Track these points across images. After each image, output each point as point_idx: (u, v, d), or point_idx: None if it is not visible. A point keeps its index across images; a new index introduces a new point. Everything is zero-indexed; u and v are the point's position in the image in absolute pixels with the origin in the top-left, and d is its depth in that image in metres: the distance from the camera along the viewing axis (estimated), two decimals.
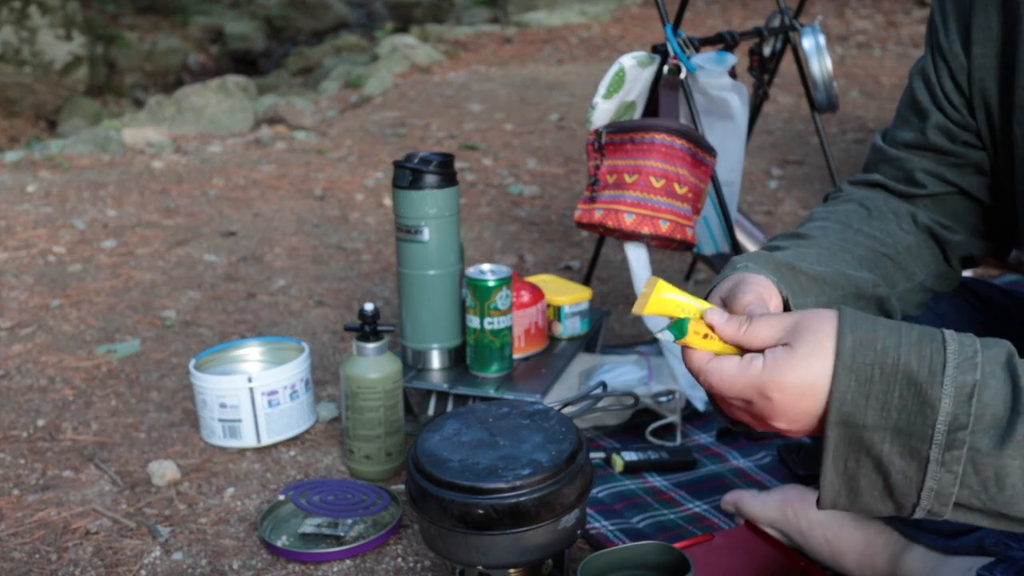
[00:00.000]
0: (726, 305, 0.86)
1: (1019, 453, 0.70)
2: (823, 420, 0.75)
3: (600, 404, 1.62)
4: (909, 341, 0.73)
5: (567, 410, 1.60)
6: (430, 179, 1.56)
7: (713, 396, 0.86)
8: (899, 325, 0.75)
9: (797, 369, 0.75)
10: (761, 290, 0.87)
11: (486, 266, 1.57)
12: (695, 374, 0.81)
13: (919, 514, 0.75)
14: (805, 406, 0.75)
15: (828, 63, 2.10)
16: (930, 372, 0.71)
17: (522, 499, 1.04)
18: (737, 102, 1.86)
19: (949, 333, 0.74)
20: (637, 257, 1.73)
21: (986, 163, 1.05)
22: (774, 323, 0.78)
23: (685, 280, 2.31)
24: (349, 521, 1.39)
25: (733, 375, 0.77)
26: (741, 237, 2.07)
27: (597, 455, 1.56)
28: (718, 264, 1.97)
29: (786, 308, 0.90)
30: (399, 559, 1.33)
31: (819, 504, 0.78)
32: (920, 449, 0.72)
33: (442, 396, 1.62)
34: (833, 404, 0.73)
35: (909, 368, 0.72)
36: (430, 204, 1.57)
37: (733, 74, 1.90)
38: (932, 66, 1.06)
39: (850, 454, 0.74)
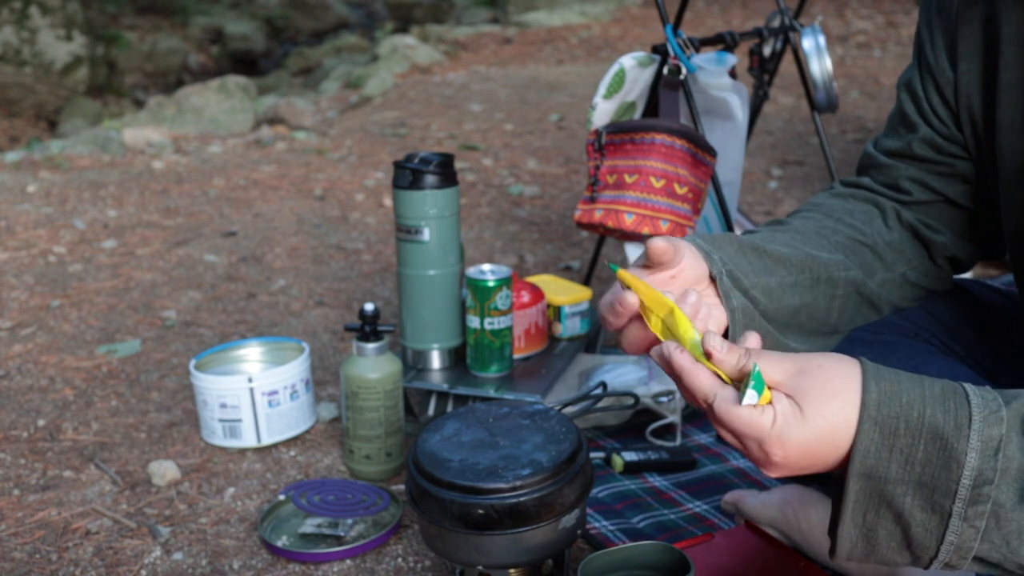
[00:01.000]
0: (647, 266, 0.90)
1: None
2: (841, 467, 0.74)
3: (600, 404, 1.63)
4: (933, 394, 0.72)
5: (567, 410, 1.60)
6: (430, 179, 1.57)
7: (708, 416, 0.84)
8: (920, 378, 0.74)
9: (804, 432, 0.73)
10: (686, 265, 0.90)
11: (486, 266, 1.57)
12: (699, 397, 0.78)
13: (936, 566, 0.74)
14: (803, 464, 0.75)
15: (828, 63, 2.10)
16: (956, 426, 0.70)
17: (522, 499, 1.04)
18: (737, 102, 1.86)
19: (969, 387, 0.73)
20: (637, 257, 1.73)
21: (972, 172, 1.06)
22: (779, 366, 0.76)
23: None
24: (349, 521, 1.39)
25: (741, 420, 0.75)
26: None
27: (597, 455, 1.57)
28: None
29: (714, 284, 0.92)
30: (399, 559, 1.33)
31: (832, 555, 0.76)
32: (943, 504, 0.71)
33: (442, 396, 1.62)
34: (856, 456, 0.72)
35: (935, 422, 0.71)
36: (430, 204, 1.57)
37: (733, 74, 1.90)
38: (919, 79, 1.06)
39: (870, 507, 0.73)
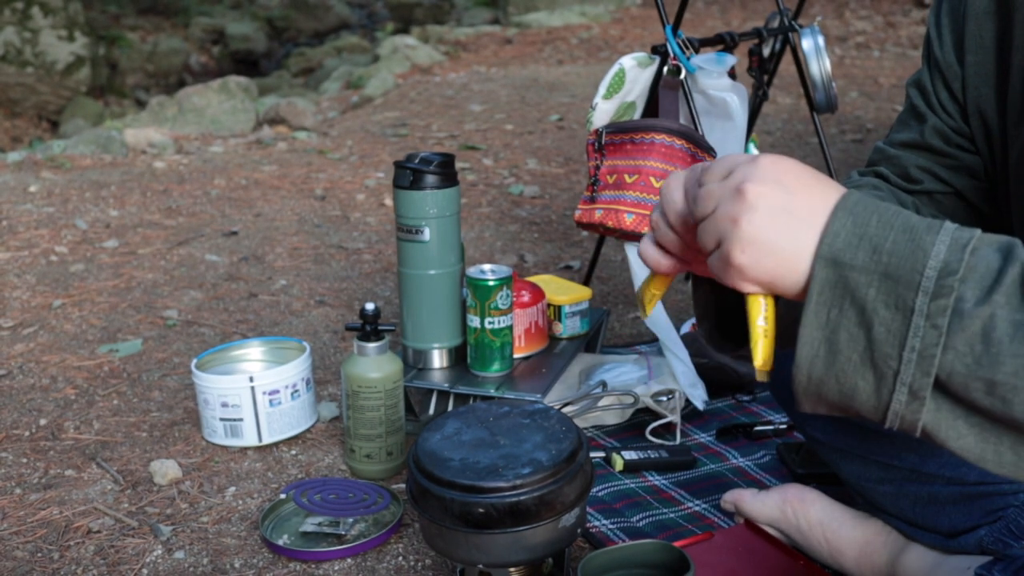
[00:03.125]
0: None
1: (1007, 302, 0.65)
2: (803, 259, 0.71)
3: (600, 403, 1.63)
4: (912, 212, 0.71)
5: (567, 409, 1.61)
6: (431, 179, 1.57)
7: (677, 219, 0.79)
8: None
9: (785, 162, 0.73)
10: None
11: (486, 266, 1.58)
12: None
13: (898, 399, 0.68)
14: (781, 176, 0.72)
15: (827, 64, 2.10)
16: (928, 226, 0.69)
17: (522, 498, 1.05)
18: (736, 102, 1.86)
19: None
20: (637, 257, 1.74)
21: (980, 168, 1.07)
22: None
23: (685, 279, 2.32)
24: (350, 520, 1.40)
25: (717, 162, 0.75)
26: None
27: (597, 454, 1.57)
28: None
29: None
30: (400, 558, 1.34)
31: (795, 364, 0.72)
32: (906, 297, 0.67)
33: (443, 395, 1.62)
34: (824, 240, 0.69)
35: (909, 221, 0.69)
36: (431, 204, 1.57)
37: (732, 75, 1.90)
38: (928, 77, 1.08)
39: (834, 301, 0.69)
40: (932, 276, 0.66)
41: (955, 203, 1.10)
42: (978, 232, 0.68)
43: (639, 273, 1.73)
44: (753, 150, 0.72)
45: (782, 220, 0.71)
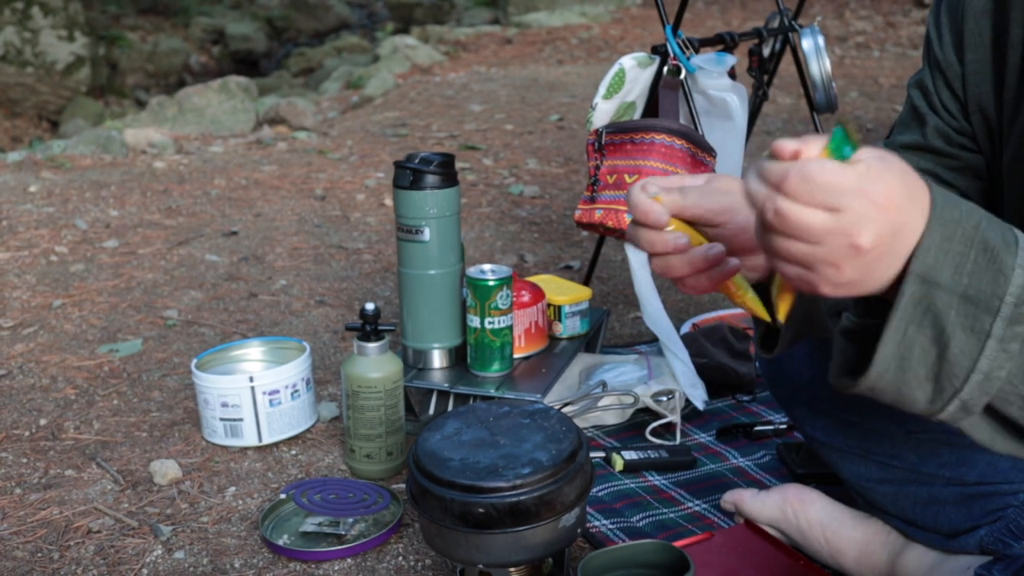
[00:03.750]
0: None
1: None
2: (894, 279, 0.70)
3: (600, 403, 1.63)
4: (988, 216, 0.72)
5: (567, 409, 1.61)
6: (431, 179, 1.57)
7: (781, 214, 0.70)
8: (976, 206, 0.73)
9: (891, 177, 0.68)
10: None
11: (486, 266, 1.58)
12: (771, 178, 0.68)
13: (950, 410, 0.71)
14: (892, 216, 0.68)
15: (827, 64, 2.10)
16: (1005, 243, 0.70)
17: (522, 498, 1.05)
18: (736, 103, 1.86)
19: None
20: (637, 257, 1.74)
21: (983, 167, 1.07)
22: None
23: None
24: (350, 520, 1.40)
25: (834, 171, 0.66)
26: None
27: (597, 454, 1.57)
28: None
29: None
30: (400, 558, 1.34)
31: (868, 374, 0.73)
32: (984, 321, 0.70)
33: (443, 395, 1.62)
34: (918, 254, 0.69)
35: (987, 235, 0.70)
36: (431, 204, 1.57)
37: (732, 75, 1.90)
38: (929, 77, 1.08)
39: (914, 318, 0.70)
40: (1011, 303, 0.69)
41: None
42: None
43: (639, 273, 1.73)
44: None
45: (887, 258, 0.69)
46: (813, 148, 0.69)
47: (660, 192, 0.81)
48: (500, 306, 1.56)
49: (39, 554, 1.37)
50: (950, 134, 1.07)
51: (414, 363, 1.65)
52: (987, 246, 0.70)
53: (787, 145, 0.69)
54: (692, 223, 0.83)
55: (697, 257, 0.80)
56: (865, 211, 0.67)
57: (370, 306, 1.48)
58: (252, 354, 1.76)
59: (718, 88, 1.85)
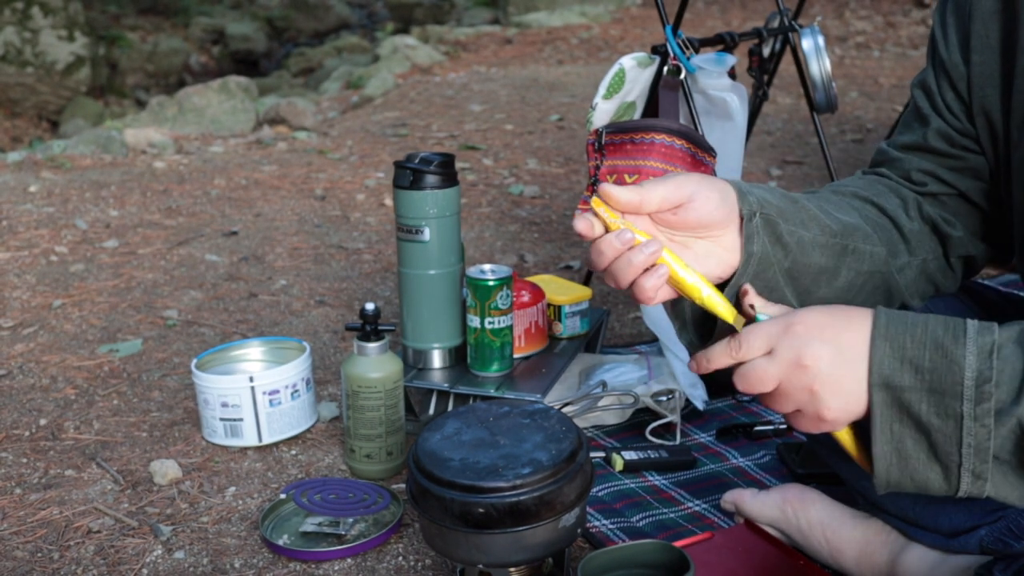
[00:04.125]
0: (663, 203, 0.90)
1: None
2: (865, 394, 0.82)
3: (600, 403, 1.63)
4: (936, 319, 0.81)
5: (567, 409, 1.61)
6: (431, 179, 1.57)
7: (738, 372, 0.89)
8: (927, 313, 0.84)
9: (818, 313, 0.85)
10: (699, 204, 0.90)
11: (486, 266, 1.58)
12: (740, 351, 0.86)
13: (965, 482, 0.80)
14: (827, 349, 0.82)
15: (827, 64, 2.11)
16: (954, 336, 0.80)
17: (522, 498, 1.05)
18: (736, 102, 1.86)
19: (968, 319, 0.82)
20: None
21: (985, 169, 1.07)
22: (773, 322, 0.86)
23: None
24: (350, 520, 1.40)
25: (760, 325, 0.86)
26: None
27: (597, 454, 1.57)
28: None
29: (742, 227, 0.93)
30: (400, 558, 1.34)
31: (875, 480, 0.84)
32: (954, 406, 0.78)
33: (443, 395, 1.62)
34: (872, 368, 0.81)
35: (936, 335, 0.80)
36: (431, 204, 1.57)
37: (732, 75, 1.91)
38: (933, 77, 1.08)
39: (894, 417, 0.81)
40: (971, 386, 0.78)
41: (958, 204, 1.10)
42: (996, 332, 0.79)
43: None
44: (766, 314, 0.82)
45: (842, 368, 0.82)
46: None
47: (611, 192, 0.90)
48: (500, 306, 1.56)
49: (39, 554, 1.37)
50: (953, 136, 1.07)
51: (414, 363, 1.65)
52: (938, 344, 0.80)
53: None
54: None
55: (608, 241, 0.88)
56: (794, 338, 0.83)
57: (370, 306, 1.48)
58: (252, 354, 1.76)
59: (718, 88, 1.85)
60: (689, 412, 1.68)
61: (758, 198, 0.93)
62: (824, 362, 0.82)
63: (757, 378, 0.85)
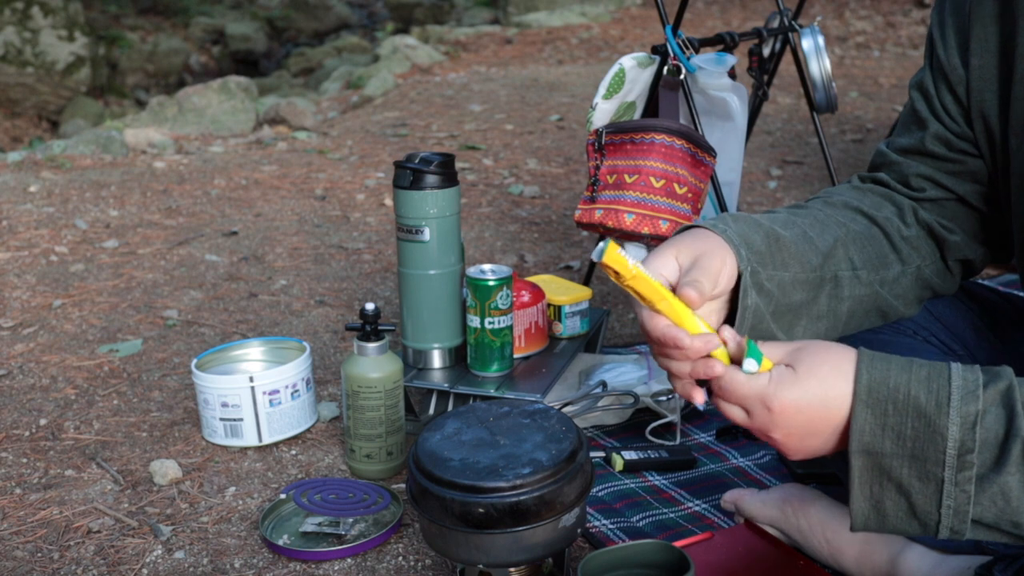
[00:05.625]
0: (680, 267, 0.94)
1: (1017, 469, 0.78)
2: (840, 446, 0.85)
3: (600, 403, 1.63)
4: (919, 378, 0.81)
5: (567, 409, 1.61)
6: (431, 179, 1.57)
7: (717, 401, 0.91)
8: (910, 362, 0.83)
9: (795, 391, 0.84)
10: (715, 264, 0.93)
11: (486, 266, 1.58)
12: (711, 377, 0.89)
13: (943, 532, 0.81)
14: (802, 428, 0.85)
15: (827, 64, 2.11)
16: (937, 405, 0.80)
17: (522, 498, 1.05)
18: (736, 102, 1.86)
19: (955, 367, 0.81)
20: (637, 257, 1.74)
21: (983, 172, 1.06)
22: (780, 348, 0.88)
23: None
24: (350, 520, 1.40)
25: (744, 384, 0.86)
26: None
27: (597, 454, 1.57)
28: None
29: (738, 282, 0.95)
30: (400, 558, 1.34)
31: (852, 527, 0.85)
32: (935, 472, 0.80)
33: (443, 395, 1.62)
34: (853, 435, 0.82)
35: (919, 403, 0.80)
36: (431, 204, 1.57)
37: (732, 75, 1.91)
38: (931, 80, 1.07)
39: (874, 480, 0.82)
40: (953, 454, 0.79)
41: (956, 208, 1.09)
42: (980, 397, 0.79)
43: None
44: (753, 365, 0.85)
45: (812, 440, 0.86)
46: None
47: (690, 290, 0.90)
48: (500, 306, 1.56)
49: (39, 554, 1.37)
50: (951, 139, 1.06)
51: (414, 363, 1.65)
52: (920, 412, 0.80)
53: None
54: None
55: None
56: (764, 416, 0.85)
57: (370, 306, 1.48)
58: (252, 354, 1.76)
59: (718, 88, 1.85)
60: (689, 412, 1.68)
61: (747, 251, 0.95)
62: (794, 439, 0.86)
63: (730, 417, 0.89)
